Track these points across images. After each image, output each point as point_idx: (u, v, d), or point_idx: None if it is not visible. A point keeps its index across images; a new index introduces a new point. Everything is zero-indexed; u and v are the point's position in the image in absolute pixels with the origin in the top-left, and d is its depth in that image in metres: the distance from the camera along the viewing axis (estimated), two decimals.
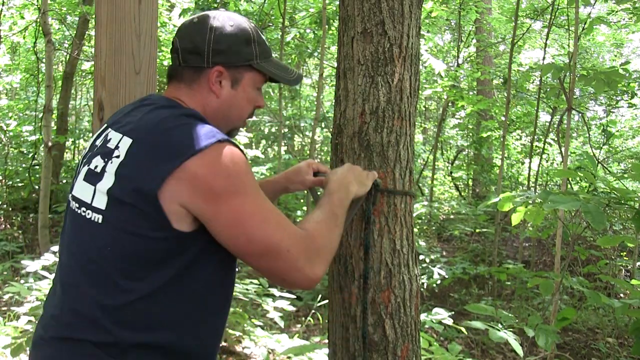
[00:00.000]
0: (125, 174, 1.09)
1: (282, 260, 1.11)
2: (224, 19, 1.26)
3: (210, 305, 1.21)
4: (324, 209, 1.28)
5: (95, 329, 1.09)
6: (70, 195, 1.22)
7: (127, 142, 1.13)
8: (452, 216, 7.82)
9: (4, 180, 6.97)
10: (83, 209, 1.15)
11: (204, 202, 1.08)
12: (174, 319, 1.14)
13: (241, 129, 1.41)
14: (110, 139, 1.18)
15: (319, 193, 1.62)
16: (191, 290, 1.14)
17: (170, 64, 1.31)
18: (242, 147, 1.17)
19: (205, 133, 1.11)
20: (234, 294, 3.68)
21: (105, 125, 1.27)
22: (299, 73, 1.41)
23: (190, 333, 1.16)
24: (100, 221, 1.11)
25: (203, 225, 1.12)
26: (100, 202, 1.11)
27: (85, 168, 1.19)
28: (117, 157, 1.12)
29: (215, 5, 6.68)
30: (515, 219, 2.80)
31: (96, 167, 1.16)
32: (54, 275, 1.28)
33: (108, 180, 1.11)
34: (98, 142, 1.23)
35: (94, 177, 1.15)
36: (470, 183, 10.46)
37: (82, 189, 1.17)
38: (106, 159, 1.14)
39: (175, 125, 1.12)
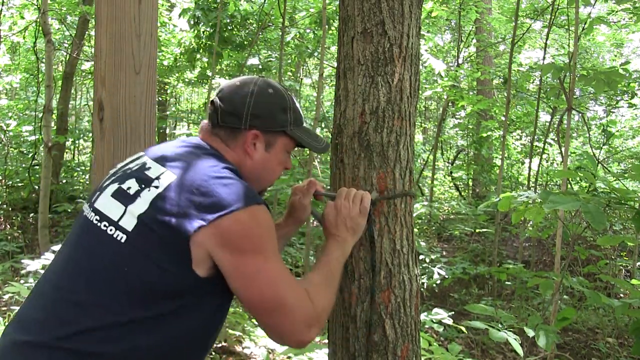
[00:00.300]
0: (162, 207, 1.14)
1: (286, 320, 1.18)
2: (264, 85, 1.34)
3: (197, 342, 1.25)
4: (323, 271, 1.34)
5: (77, 340, 1.09)
6: (91, 207, 1.24)
7: (170, 176, 1.18)
8: (452, 216, 7.82)
9: (4, 180, 6.97)
10: (105, 223, 1.17)
11: (230, 254, 1.14)
12: (158, 350, 1.16)
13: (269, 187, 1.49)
14: (149, 167, 1.23)
15: (319, 209, 1.62)
16: (185, 326, 1.19)
17: (208, 119, 1.38)
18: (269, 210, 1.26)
19: (247, 193, 1.18)
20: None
21: (142, 153, 1.33)
22: (327, 142, 1.47)
23: None
24: (123, 240, 1.14)
25: (217, 273, 1.17)
26: (129, 223, 1.15)
27: (115, 185, 1.23)
28: (157, 187, 1.16)
29: (215, 6, 6.68)
30: (516, 217, 2.80)
31: (129, 188, 1.19)
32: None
33: (141, 206, 1.15)
34: (132, 166, 1.27)
35: (125, 198, 1.18)
36: (470, 183, 10.46)
37: (108, 205, 1.20)
38: (143, 185, 1.18)
39: (222, 176, 1.18)
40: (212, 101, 1.36)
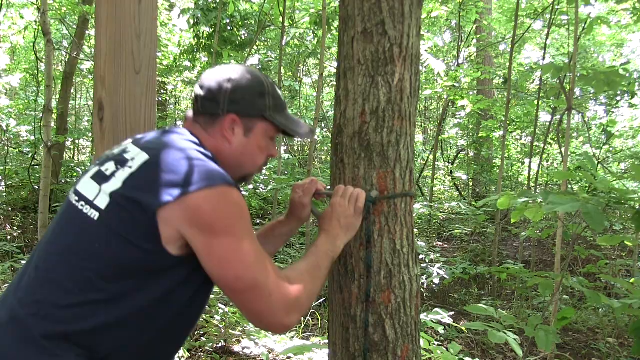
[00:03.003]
0: (132, 184, 1.16)
1: (263, 302, 1.18)
2: (243, 72, 1.35)
3: (171, 330, 1.26)
4: (309, 260, 1.35)
5: (50, 319, 1.12)
6: (74, 189, 1.27)
7: (143, 157, 1.19)
8: (452, 216, 7.81)
9: (4, 181, 6.96)
10: (82, 203, 1.20)
11: (201, 233, 1.14)
12: (131, 333, 1.17)
13: (256, 175, 1.50)
14: (128, 151, 1.25)
15: (320, 209, 1.63)
16: (157, 312, 1.19)
17: (191, 108, 1.41)
18: (243, 194, 1.25)
19: (217, 173, 1.18)
20: None
21: (129, 140, 1.34)
22: (310, 128, 1.47)
23: (143, 349, 1.21)
24: (96, 218, 1.16)
25: (190, 254, 1.17)
26: (102, 201, 1.16)
27: (96, 169, 1.25)
28: (130, 167, 1.18)
29: (215, 6, 6.68)
30: (515, 215, 2.80)
31: (107, 170, 1.22)
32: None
33: (115, 184, 1.17)
34: (116, 151, 1.30)
35: (101, 179, 1.21)
36: (471, 183, 10.45)
37: (86, 186, 1.22)
38: (118, 166, 1.21)
39: (193, 156, 1.19)
40: (194, 89, 1.39)
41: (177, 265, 1.17)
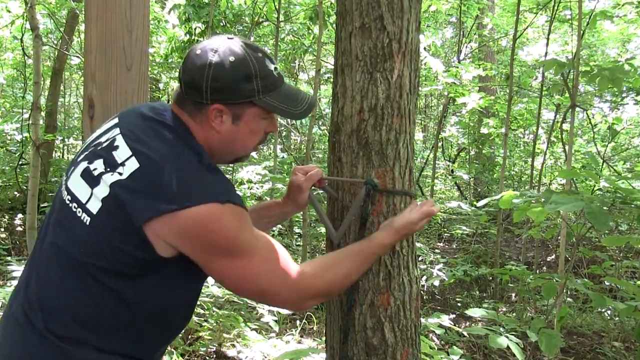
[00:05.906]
0: (122, 194, 1.12)
1: (272, 301, 1.27)
2: (225, 53, 1.21)
3: (170, 322, 1.29)
4: (358, 247, 1.41)
5: (52, 319, 1.15)
6: (65, 185, 1.25)
7: (133, 164, 1.14)
8: (453, 216, 7.73)
9: None
10: (75, 205, 1.18)
11: (195, 252, 1.15)
12: (130, 329, 1.19)
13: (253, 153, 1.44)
14: (117, 146, 1.19)
15: (315, 194, 1.59)
16: (154, 306, 1.20)
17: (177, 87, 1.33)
18: (243, 203, 1.20)
19: (207, 189, 1.13)
20: (228, 296, 3.62)
21: (115, 124, 1.26)
22: (310, 103, 1.35)
23: (142, 343, 1.23)
24: (88, 223, 1.15)
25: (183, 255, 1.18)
26: (94, 206, 1.15)
27: (85, 164, 1.21)
28: (120, 174, 1.14)
29: (207, 2, 6.60)
30: (517, 215, 2.74)
31: (95, 169, 1.18)
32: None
33: (103, 190, 1.14)
34: (103, 141, 1.24)
35: (91, 180, 1.18)
36: (472, 182, 10.39)
37: (78, 186, 1.19)
38: (108, 169, 1.16)
39: (183, 167, 1.15)
40: (179, 69, 1.30)
41: (176, 262, 1.17)
